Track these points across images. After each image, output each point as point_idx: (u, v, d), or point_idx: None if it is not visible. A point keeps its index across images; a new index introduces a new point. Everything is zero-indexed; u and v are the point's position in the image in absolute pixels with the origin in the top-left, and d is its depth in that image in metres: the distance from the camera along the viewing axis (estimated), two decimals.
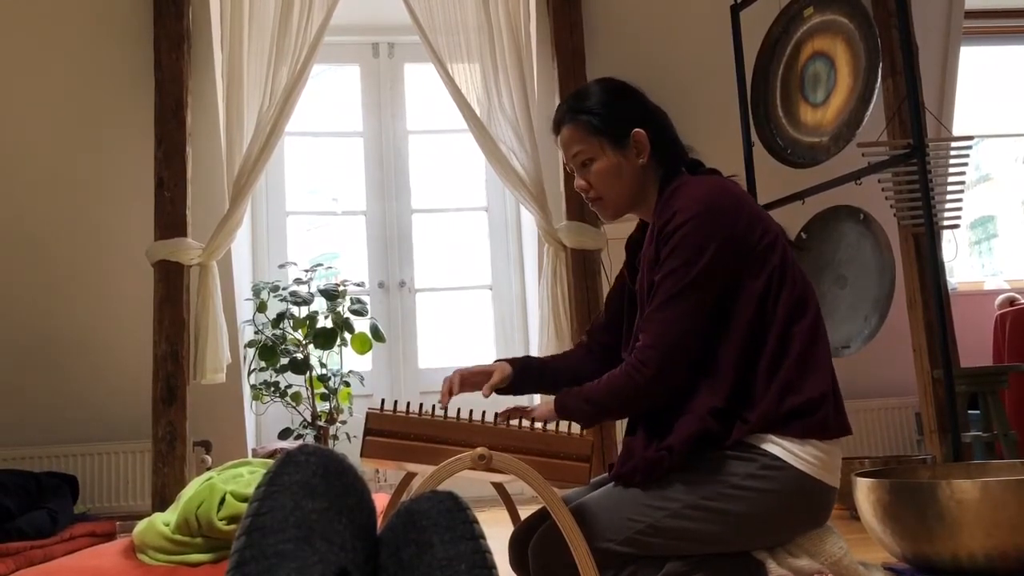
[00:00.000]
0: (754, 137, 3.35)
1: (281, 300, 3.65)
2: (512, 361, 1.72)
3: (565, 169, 3.64)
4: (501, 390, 1.69)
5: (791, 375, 1.43)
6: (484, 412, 1.47)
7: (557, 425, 1.45)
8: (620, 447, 1.86)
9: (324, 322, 3.64)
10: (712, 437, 1.43)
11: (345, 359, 3.74)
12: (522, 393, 1.74)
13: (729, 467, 1.43)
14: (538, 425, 1.45)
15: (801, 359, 1.44)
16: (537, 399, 3.21)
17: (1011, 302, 3.96)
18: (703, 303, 1.44)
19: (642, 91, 1.65)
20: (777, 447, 1.42)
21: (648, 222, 1.67)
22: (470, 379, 1.67)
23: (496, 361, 1.72)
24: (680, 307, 1.43)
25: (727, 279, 1.45)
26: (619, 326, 1.72)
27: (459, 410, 1.44)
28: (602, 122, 1.57)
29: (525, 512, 1.69)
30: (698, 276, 1.43)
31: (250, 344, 3.71)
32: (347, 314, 3.65)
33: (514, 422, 1.47)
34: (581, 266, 3.60)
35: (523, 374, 1.70)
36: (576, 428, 1.46)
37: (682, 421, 1.45)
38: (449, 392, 1.64)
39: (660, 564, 1.46)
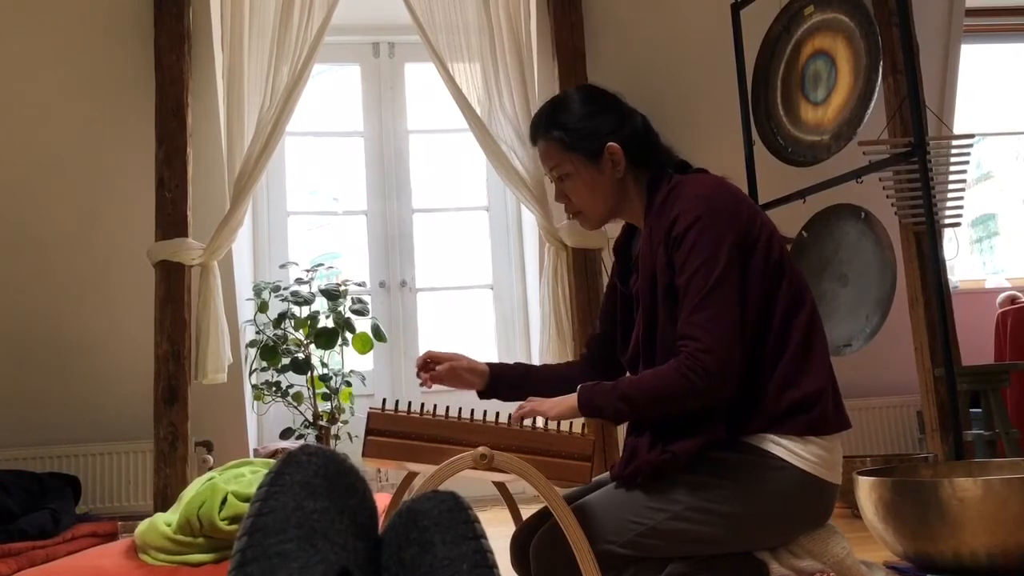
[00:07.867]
0: (755, 135, 3.35)
1: (282, 300, 3.65)
2: (493, 365, 1.71)
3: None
4: (482, 392, 1.71)
5: (789, 370, 1.43)
6: (485, 412, 1.46)
7: (559, 424, 1.44)
8: (622, 446, 1.85)
9: (325, 322, 3.64)
10: (716, 440, 1.42)
11: (346, 359, 3.74)
12: (506, 399, 1.73)
13: (730, 468, 1.42)
14: (540, 424, 1.44)
15: (799, 353, 1.43)
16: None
17: (1012, 300, 3.96)
18: (736, 296, 1.40)
19: (619, 96, 1.62)
20: (778, 447, 1.41)
21: (634, 225, 1.66)
22: (440, 358, 1.68)
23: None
24: (718, 303, 1.39)
25: (742, 273, 1.43)
26: (615, 335, 1.69)
27: (460, 409, 1.44)
28: (575, 139, 1.55)
29: (527, 512, 1.69)
30: (725, 270, 1.40)
31: (251, 344, 3.71)
32: (348, 314, 3.65)
33: (527, 422, 1.45)
34: (582, 265, 3.60)
35: (499, 376, 1.70)
36: (578, 427, 1.45)
37: (689, 424, 1.43)
38: (421, 367, 1.68)
39: (662, 565, 1.45)
